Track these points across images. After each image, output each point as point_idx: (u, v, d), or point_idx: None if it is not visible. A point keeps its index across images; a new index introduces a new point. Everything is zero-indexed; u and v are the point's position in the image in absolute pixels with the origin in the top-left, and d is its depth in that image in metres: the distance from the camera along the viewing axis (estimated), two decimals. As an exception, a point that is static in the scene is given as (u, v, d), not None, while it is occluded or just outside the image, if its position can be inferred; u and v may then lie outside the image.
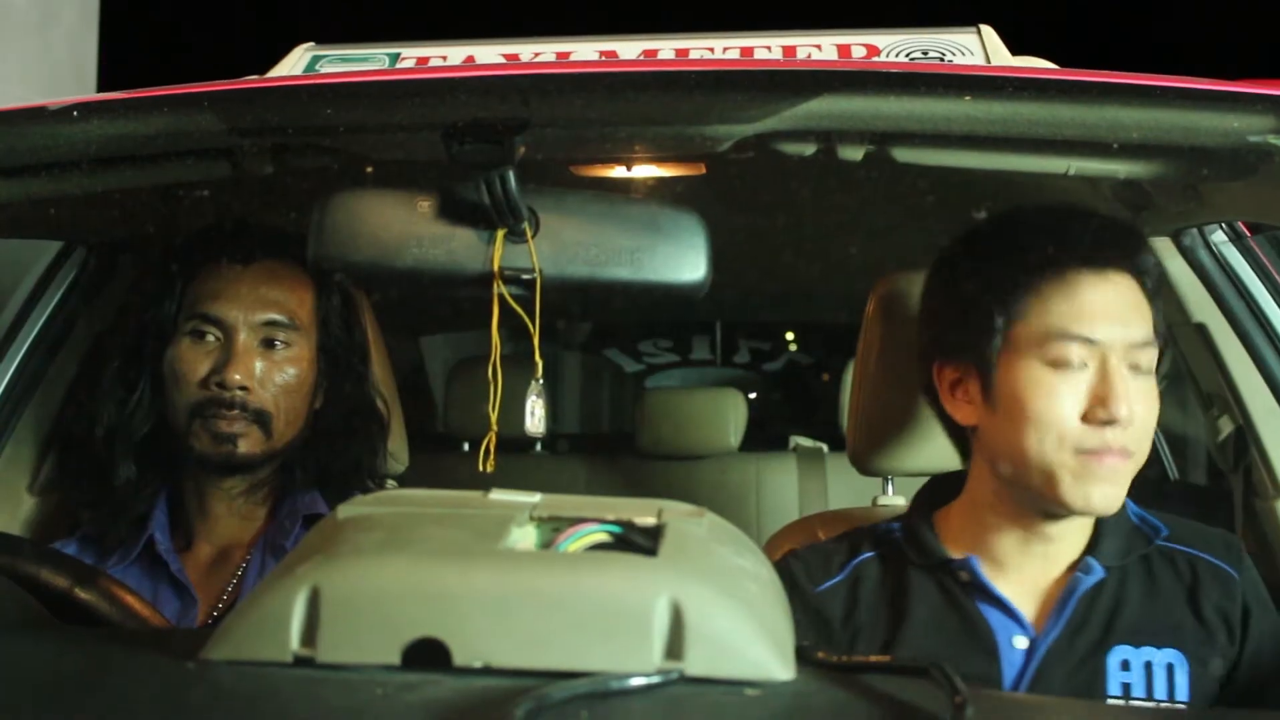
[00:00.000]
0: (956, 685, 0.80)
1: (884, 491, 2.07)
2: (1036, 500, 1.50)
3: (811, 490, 3.83)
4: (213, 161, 1.57)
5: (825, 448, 4.13)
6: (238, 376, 1.77)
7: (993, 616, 1.52)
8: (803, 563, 1.62)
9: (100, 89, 5.72)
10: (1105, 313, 1.46)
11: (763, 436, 4.21)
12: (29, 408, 2.14)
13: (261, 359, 1.80)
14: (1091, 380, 1.45)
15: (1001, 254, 1.54)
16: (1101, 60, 1.55)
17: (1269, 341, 1.95)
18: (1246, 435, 2.08)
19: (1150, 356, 1.48)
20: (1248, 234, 1.88)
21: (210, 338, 1.79)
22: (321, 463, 1.88)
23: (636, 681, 0.76)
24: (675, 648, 0.77)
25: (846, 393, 3.69)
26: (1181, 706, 1.44)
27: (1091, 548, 1.54)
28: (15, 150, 1.50)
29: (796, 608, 1.47)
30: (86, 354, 2.16)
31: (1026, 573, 1.55)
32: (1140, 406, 1.45)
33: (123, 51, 6.22)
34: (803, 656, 0.83)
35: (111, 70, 5.90)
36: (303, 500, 1.87)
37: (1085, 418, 1.44)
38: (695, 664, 0.77)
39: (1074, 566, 1.54)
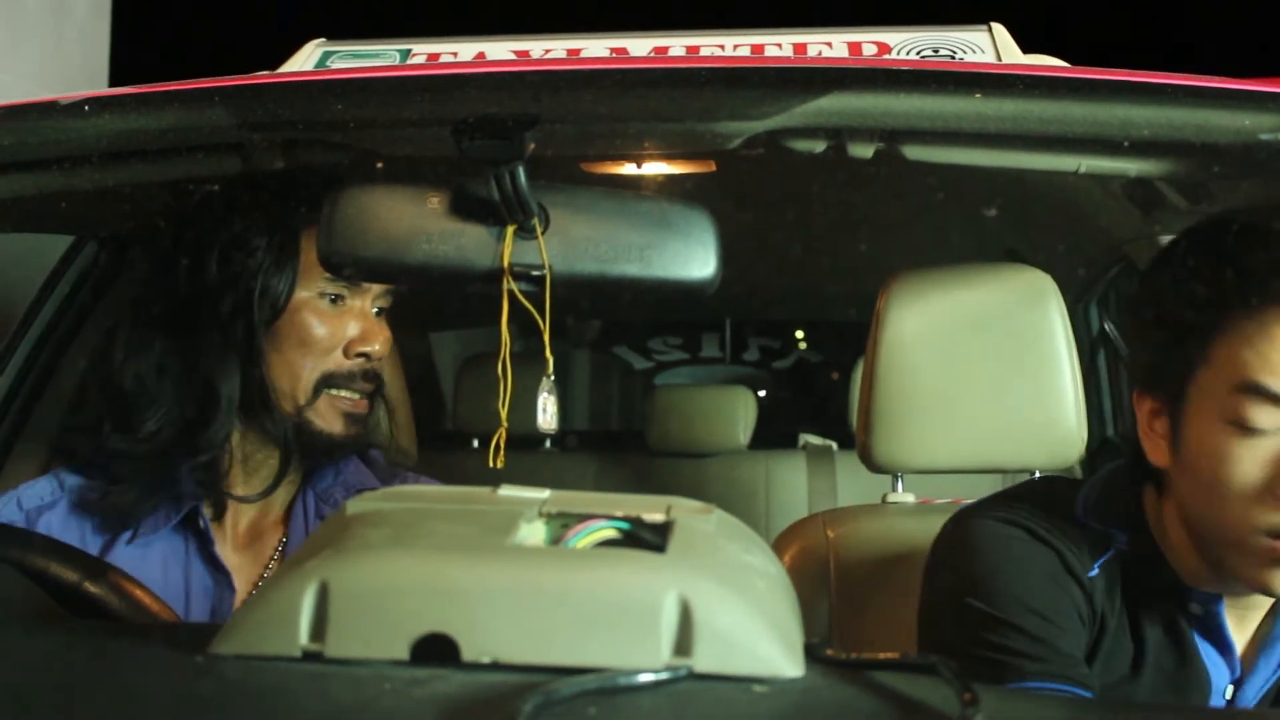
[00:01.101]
0: (966, 682, 0.80)
1: (894, 489, 2.06)
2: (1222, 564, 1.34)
3: (821, 488, 3.83)
4: (223, 156, 1.57)
5: (835, 445, 4.13)
6: (378, 346, 1.72)
7: (1212, 660, 1.38)
8: (1060, 543, 1.39)
9: (112, 84, 5.73)
10: None
11: (772, 434, 4.21)
12: (40, 401, 2.14)
13: (379, 329, 1.74)
14: None
15: (1203, 272, 1.30)
16: (1112, 58, 1.55)
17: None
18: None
19: None
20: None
21: (346, 302, 1.71)
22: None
23: (645, 678, 0.76)
24: (684, 644, 0.77)
25: (856, 390, 3.69)
26: (1191, 706, 1.42)
27: None
28: (27, 145, 1.51)
29: (1073, 587, 1.36)
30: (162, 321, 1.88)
31: (1252, 608, 1.39)
32: None
33: (134, 47, 6.23)
34: (811, 653, 0.83)
35: (123, 65, 5.91)
36: (348, 469, 1.80)
37: (1276, 495, 1.23)
38: (703, 660, 0.76)
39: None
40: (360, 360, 1.71)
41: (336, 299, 1.71)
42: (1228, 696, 1.39)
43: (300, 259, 1.69)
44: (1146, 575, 1.40)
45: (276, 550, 1.75)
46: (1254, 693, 1.38)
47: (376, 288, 1.73)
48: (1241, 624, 1.40)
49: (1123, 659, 1.39)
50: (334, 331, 1.70)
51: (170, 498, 1.69)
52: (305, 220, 1.68)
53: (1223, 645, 1.38)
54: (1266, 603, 1.40)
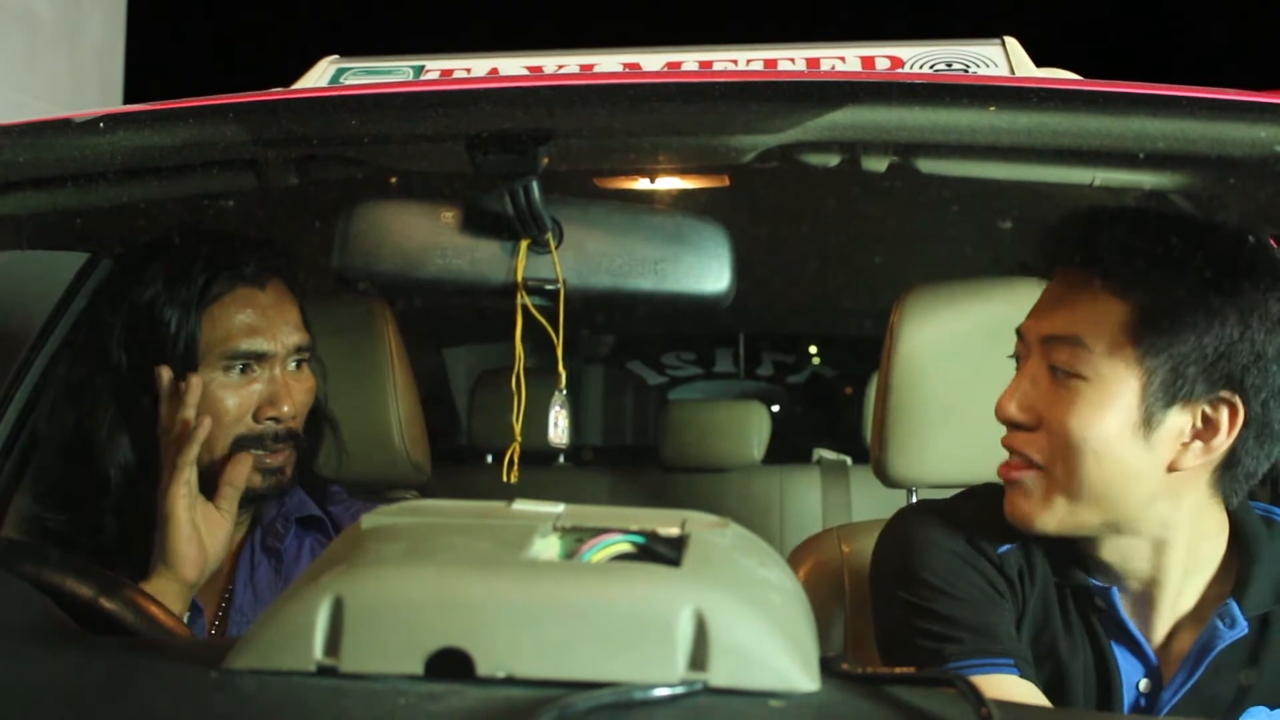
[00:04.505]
0: (981, 697, 0.79)
1: (908, 504, 2.06)
2: None
3: (835, 502, 3.82)
4: (238, 173, 1.58)
5: (849, 460, 4.12)
6: (287, 408, 1.75)
7: (1121, 653, 1.42)
8: (969, 526, 1.47)
9: (126, 102, 5.76)
10: None
11: (786, 449, 4.20)
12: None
13: (295, 383, 1.78)
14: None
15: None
16: (1126, 71, 1.54)
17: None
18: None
19: (1069, 357, 1.38)
20: (1276, 246, 1.87)
21: (254, 370, 1.75)
22: (303, 464, 1.86)
23: (660, 692, 0.75)
24: (699, 658, 0.76)
25: (870, 405, 3.68)
26: None
27: (1238, 588, 1.40)
28: (42, 162, 1.51)
29: (981, 561, 1.43)
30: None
31: (1160, 601, 1.42)
32: (1051, 411, 1.38)
33: (149, 65, 6.26)
34: (827, 668, 0.82)
35: (138, 83, 5.94)
36: (291, 502, 1.86)
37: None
38: (719, 675, 0.76)
39: (1214, 605, 1.40)
40: (270, 424, 1.75)
41: (245, 368, 1.74)
42: (1142, 689, 1.41)
43: (201, 340, 1.72)
44: (1057, 565, 1.45)
45: (230, 581, 1.81)
46: (1171, 695, 1.40)
47: (286, 346, 1.76)
48: (1150, 621, 1.43)
49: (1052, 639, 1.43)
50: (241, 400, 1.73)
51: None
52: (205, 300, 1.72)
53: (1128, 639, 1.42)
54: (1170, 601, 1.42)
